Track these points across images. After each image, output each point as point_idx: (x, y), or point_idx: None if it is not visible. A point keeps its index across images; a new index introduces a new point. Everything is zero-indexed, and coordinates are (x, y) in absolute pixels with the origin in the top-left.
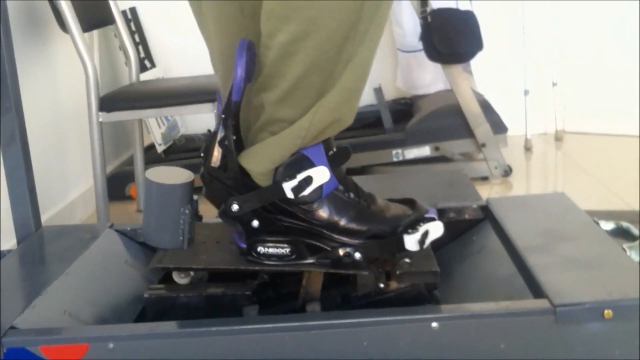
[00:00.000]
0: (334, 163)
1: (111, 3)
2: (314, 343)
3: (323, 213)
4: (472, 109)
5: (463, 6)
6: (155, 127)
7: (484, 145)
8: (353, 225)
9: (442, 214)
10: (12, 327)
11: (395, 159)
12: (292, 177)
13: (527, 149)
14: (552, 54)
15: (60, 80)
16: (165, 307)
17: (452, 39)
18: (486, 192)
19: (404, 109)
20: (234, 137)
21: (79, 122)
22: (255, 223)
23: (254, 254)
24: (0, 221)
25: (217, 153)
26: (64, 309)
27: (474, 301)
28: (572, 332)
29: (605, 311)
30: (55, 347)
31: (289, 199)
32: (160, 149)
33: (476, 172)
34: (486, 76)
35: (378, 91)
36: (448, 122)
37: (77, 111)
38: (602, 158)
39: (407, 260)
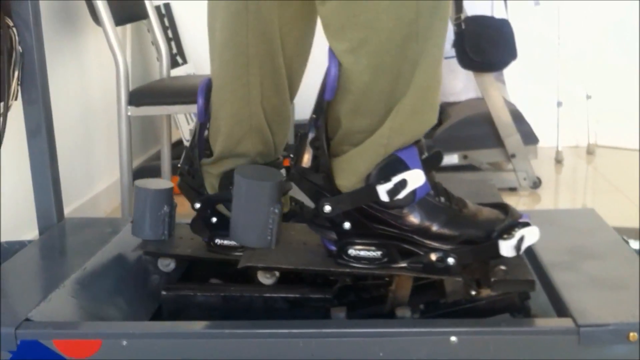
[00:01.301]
0: (427, 167)
1: None
2: (330, 351)
3: (414, 219)
4: (502, 119)
5: (498, 14)
6: (184, 123)
7: (513, 155)
8: (445, 230)
9: None
10: (27, 319)
11: None
12: (387, 179)
13: (558, 161)
14: (587, 67)
15: (91, 72)
16: (182, 306)
17: (485, 47)
18: (513, 203)
19: None
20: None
21: (107, 115)
22: (347, 225)
23: (344, 256)
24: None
25: (307, 154)
26: (80, 303)
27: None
28: (595, 354)
29: (631, 333)
30: (69, 342)
31: (381, 203)
32: (188, 144)
33: (504, 183)
34: (519, 86)
35: None
36: (478, 130)
37: (106, 104)
38: (634, 174)
39: (502, 267)
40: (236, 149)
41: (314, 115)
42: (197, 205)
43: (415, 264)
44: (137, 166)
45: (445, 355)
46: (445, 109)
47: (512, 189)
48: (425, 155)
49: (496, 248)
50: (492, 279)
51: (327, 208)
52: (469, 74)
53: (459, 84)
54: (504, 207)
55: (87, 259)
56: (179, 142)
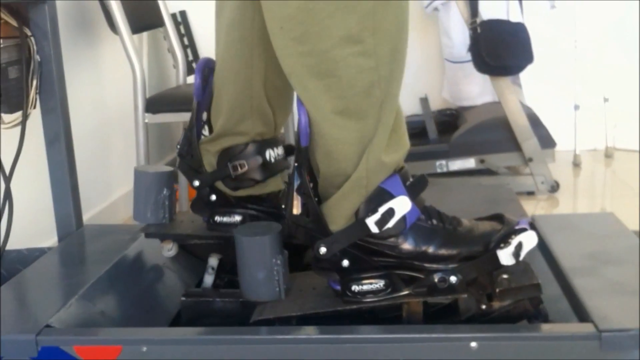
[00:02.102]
0: (413, 192)
1: (161, 6)
2: (350, 356)
3: (409, 245)
4: (519, 122)
5: (514, 18)
6: None
7: (530, 159)
8: (443, 251)
9: None
10: (48, 326)
11: (438, 170)
12: (374, 211)
13: (576, 165)
14: (605, 69)
15: (108, 80)
16: (201, 312)
17: (501, 51)
18: (532, 208)
19: (449, 120)
20: (311, 185)
21: (125, 122)
22: (345, 262)
23: (349, 293)
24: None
25: (296, 201)
26: (99, 309)
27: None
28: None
29: None
30: (89, 348)
31: (374, 235)
32: None
33: (522, 187)
34: (535, 89)
35: (424, 101)
36: (494, 134)
37: (123, 112)
38: None
39: (504, 276)
40: (236, 128)
41: (296, 163)
42: (196, 183)
43: (420, 289)
44: None
45: (465, 359)
46: (461, 113)
47: (530, 193)
48: (411, 180)
49: (496, 259)
50: (498, 290)
51: (323, 250)
52: (485, 78)
53: (475, 88)
54: (499, 218)
55: (106, 266)
56: None
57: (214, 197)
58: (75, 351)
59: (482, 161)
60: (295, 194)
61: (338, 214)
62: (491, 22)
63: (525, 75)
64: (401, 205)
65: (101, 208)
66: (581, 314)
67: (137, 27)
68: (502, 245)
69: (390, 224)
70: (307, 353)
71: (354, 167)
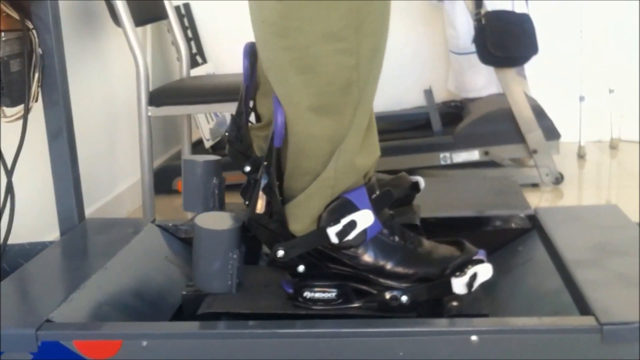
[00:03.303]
0: (377, 206)
1: None
2: (350, 350)
3: (368, 257)
4: (524, 114)
5: (519, 8)
6: (204, 122)
7: (535, 151)
8: (399, 269)
9: (487, 222)
10: (48, 320)
11: (443, 163)
12: (337, 221)
13: (581, 156)
14: (610, 60)
15: (112, 73)
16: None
17: (506, 42)
18: (536, 200)
19: (454, 111)
20: (278, 184)
21: (129, 116)
22: (302, 268)
23: (300, 298)
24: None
25: (261, 200)
26: (100, 303)
27: (517, 315)
28: (619, 352)
29: None
30: (89, 343)
31: (334, 245)
32: (208, 144)
33: (526, 179)
34: (540, 81)
35: (428, 93)
36: (499, 126)
37: (128, 105)
38: None
39: (454, 303)
40: None
41: (266, 162)
42: (247, 169)
43: (371, 304)
44: (158, 166)
45: (466, 354)
46: (466, 104)
47: (534, 185)
48: (377, 194)
49: (449, 285)
50: (445, 315)
51: (280, 253)
52: (490, 70)
53: (480, 80)
54: (460, 244)
55: (108, 260)
56: (199, 142)
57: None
58: (75, 346)
59: (486, 153)
60: (260, 192)
61: (301, 214)
62: (496, 13)
63: (530, 66)
64: (364, 218)
65: (106, 201)
66: (583, 307)
67: (140, 19)
68: (457, 273)
69: (351, 236)
70: (306, 348)
71: (323, 166)
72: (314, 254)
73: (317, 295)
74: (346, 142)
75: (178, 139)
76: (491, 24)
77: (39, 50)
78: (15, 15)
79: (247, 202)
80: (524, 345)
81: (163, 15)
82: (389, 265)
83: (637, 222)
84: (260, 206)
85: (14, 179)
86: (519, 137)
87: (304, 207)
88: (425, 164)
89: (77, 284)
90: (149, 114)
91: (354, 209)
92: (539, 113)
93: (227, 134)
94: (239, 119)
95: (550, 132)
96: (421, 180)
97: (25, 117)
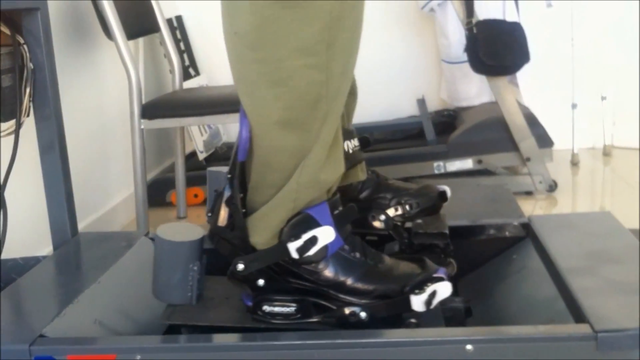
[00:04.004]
0: (339, 222)
1: (157, 11)
2: None
3: (329, 273)
4: (517, 122)
5: (510, 17)
6: (198, 134)
7: (528, 159)
8: (359, 285)
9: (482, 230)
10: (41, 335)
11: (436, 172)
12: (297, 237)
13: (574, 164)
14: (602, 67)
15: (104, 87)
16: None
17: (497, 50)
18: (530, 207)
19: (447, 120)
20: (241, 196)
21: (122, 129)
22: (261, 282)
23: (259, 312)
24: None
25: (224, 212)
26: (94, 318)
27: (512, 323)
28: None
29: None
30: (83, 358)
31: (294, 260)
32: (201, 156)
33: (520, 187)
34: (533, 89)
35: (421, 102)
36: (492, 134)
37: (120, 118)
38: None
39: (413, 320)
40: None
41: (229, 175)
42: (241, 267)
43: (329, 319)
44: (151, 178)
45: None
46: (459, 113)
47: (528, 193)
48: (339, 210)
49: (408, 303)
50: None
51: (240, 266)
52: (483, 79)
53: (472, 89)
54: (421, 261)
55: (101, 274)
56: (193, 154)
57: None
58: None
59: (480, 161)
60: (223, 205)
61: (263, 226)
62: (487, 22)
63: (522, 74)
64: (325, 234)
65: (99, 214)
66: (577, 315)
67: (132, 32)
68: (417, 291)
69: (311, 252)
70: (304, 359)
71: (288, 179)
72: (274, 268)
73: (276, 309)
74: (310, 156)
75: (171, 152)
76: (483, 33)
77: (30, 65)
78: (6, 30)
79: (209, 214)
80: (519, 354)
81: (155, 28)
82: (349, 281)
83: (631, 229)
84: (223, 219)
85: (6, 193)
86: (512, 145)
87: (265, 220)
88: (419, 173)
89: (70, 298)
90: (142, 126)
91: (315, 224)
92: (532, 121)
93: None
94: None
95: (543, 140)
96: (448, 190)
97: (17, 132)
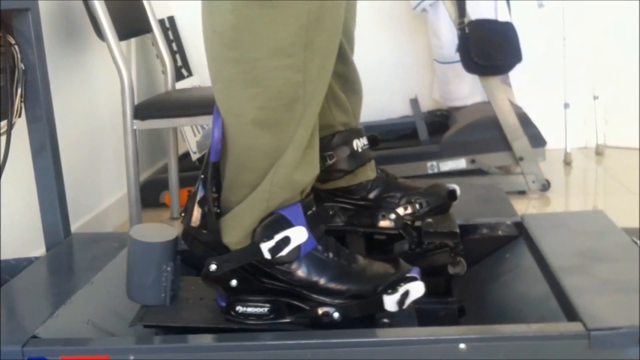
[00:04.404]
0: (313, 222)
1: (148, 12)
2: None
3: (302, 273)
4: (509, 122)
5: (502, 17)
6: (191, 135)
7: (521, 158)
8: (332, 285)
9: (475, 230)
10: (34, 337)
11: (430, 172)
12: (270, 237)
13: (567, 163)
14: (594, 67)
15: (97, 87)
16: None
17: (489, 50)
18: (523, 207)
19: (440, 120)
20: (215, 196)
21: (114, 129)
22: (234, 282)
23: (232, 313)
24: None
25: (197, 212)
26: (87, 318)
27: (505, 322)
28: (606, 358)
29: None
30: (76, 358)
31: (267, 260)
32: (194, 157)
33: (513, 186)
34: (525, 88)
35: (414, 102)
36: (485, 134)
37: (112, 119)
38: None
39: (385, 320)
40: (318, 121)
41: (202, 175)
42: (213, 267)
43: (302, 319)
44: (144, 179)
45: None
46: (452, 113)
47: (521, 192)
48: (313, 210)
49: (381, 303)
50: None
51: (213, 267)
52: (475, 78)
53: (465, 88)
54: (395, 261)
55: (94, 275)
56: (186, 155)
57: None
58: None
59: (473, 161)
60: (196, 205)
61: (236, 225)
62: (479, 22)
63: (514, 74)
64: (298, 235)
65: (92, 215)
66: (570, 313)
67: (124, 33)
68: (389, 291)
69: (284, 252)
70: (297, 358)
71: (262, 179)
72: (247, 268)
73: (250, 309)
74: (285, 157)
75: (164, 152)
76: (474, 33)
77: (22, 66)
78: None
79: (183, 214)
80: (512, 353)
81: (147, 29)
82: (322, 281)
83: (623, 228)
84: (196, 219)
85: None
86: (505, 144)
87: (238, 220)
88: (413, 173)
89: (63, 299)
90: (135, 127)
91: (288, 225)
92: (525, 121)
93: None
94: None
95: (536, 140)
96: (457, 188)
97: (8, 133)
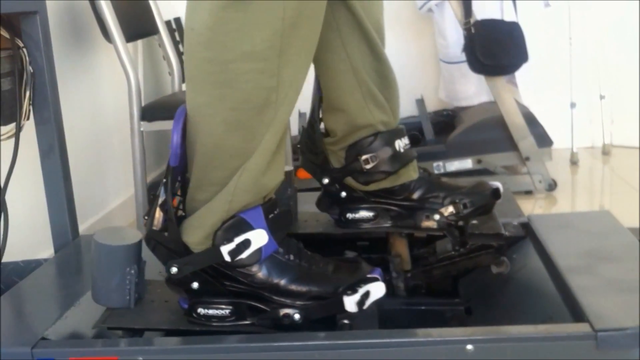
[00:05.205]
0: (274, 225)
1: (155, 13)
2: None
3: (262, 275)
4: (515, 122)
5: (508, 17)
6: None
7: (527, 158)
8: (293, 287)
9: None
10: (43, 338)
11: (436, 171)
12: (230, 240)
13: (573, 162)
14: (600, 66)
15: (104, 89)
16: None
17: (495, 50)
18: (530, 207)
19: (446, 120)
20: (181, 199)
21: (121, 131)
22: (195, 285)
23: (194, 315)
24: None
25: (158, 216)
26: (95, 320)
27: (512, 322)
28: (614, 359)
29: None
30: None
31: (228, 263)
32: None
33: (520, 186)
34: (531, 88)
35: (420, 102)
36: (491, 134)
37: (119, 120)
38: None
39: (346, 321)
40: (357, 121)
41: (164, 180)
42: (325, 181)
43: (264, 320)
44: (151, 181)
45: None
46: (457, 113)
47: (528, 192)
48: (274, 213)
49: (341, 304)
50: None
51: (174, 269)
52: (481, 78)
53: (471, 88)
54: (356, 263)
55: None
56: None
57: (344, 194)
58: None
59: (479, 161)
60: (158, 209)
61: (198, 225)
62: (485, 22)
63: (520, 74)
64: (258, 237)
65: (99, 217)
66: (577, 314)
67: (131, 35)
68: (349, 292)
69: (244, 255)
70: (303, 358)
71: (229, 177)
72: (209, 271)
73: (211, 311)
74: (252, 160)
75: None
76: (480, 33)
77: (30, 69)
78: (5, 34)
79: (145, 217)
80: (519, 353)
81: (154, 30)
82: (282, 283)
83: (630, 228)
84: (158, 222)
85: (7, 196)
86: (511, 144)
87: (201, 220)
88: None
89: (72, 301)
90: (142, 129)
91: (248, 227)
92: (531, 120)
93: (299, 145)
94: (310, 130)
95: (543, 139)
96: (500, 186)
97: (17, 136)
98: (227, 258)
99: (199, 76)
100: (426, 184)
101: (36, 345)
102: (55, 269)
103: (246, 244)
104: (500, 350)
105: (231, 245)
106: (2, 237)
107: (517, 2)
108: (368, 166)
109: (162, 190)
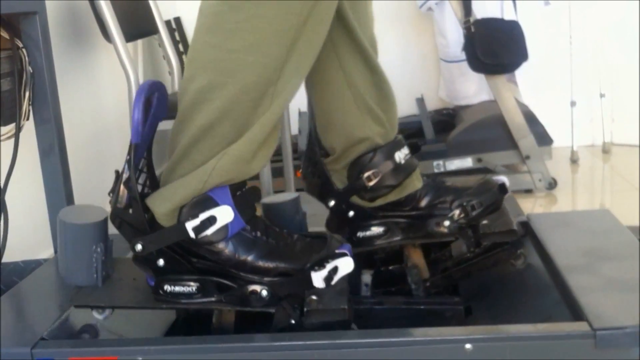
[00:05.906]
0: (241, 203)
1: (155, 13)
2: None
3: (229, 252)
4: (516, 120)
5: (508, 16)
6: None
7: (528, 157)
8: (261, 263)
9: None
10: (43, 338)
11: (436, 170)
12: (195, 216)
13: (573, 161)
14: (600, 65)
15: (104, 89)
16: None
17: (495, 49)
18: (530, 205)
19: (446, 119)
20: (147, 175)
21: (122, 131)
22: (161, 262)
23: (161, 292)
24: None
25: (122, 193)
26: (95, 320)
27: (511, 321)
28: (612, 358)
29: None
30: None
31: (194, 239)
32: None
33: (520, 185)
34: (531, 87)
35: (420, 101)
36: (491, 133)
37: (120, 121)
38: None
39: (314, 297)
40: (354, 135)
41: (128, 157)
42: (332, 203)
43: (231, 297)
44: None
45: None
46: (458, 112)
47: (528, 191)
48: (242, 191)
49: (309, 279)
50: (305, 309)
51: (139, 247)
52: (481, 77)
53: (471, 87)
54: (323, 238)
55: None
56: None
57: (351, 213)
58: None
59: (479, 160)
60: (122, 186)
61: (168, 197)
62: (485, 21)
63: (520, 73)
64: (224, 214)
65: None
66: (576, 313)
67: (131, 35)
68: (316, 267)
69: (209, 231)
70: (303, 358)
71: (208, 159)
72: (176, 248)
73: (177, 289)
74: (234, 146)
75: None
76: (480, 32)
77: (29, 69)
78: (4, 34)
79: (110, 194)
80: (518, 353)
81: (154, 30)
82: (249, 260)
83: (629, 226)
84: (122, 199)
85: (7, 196)
86: (511, 143)
87: (172, 191)
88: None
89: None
90: None
91: (213, 204)
92: (531, 119)
93: (301, 172)
94: (310, 153)
95: (543, 138)
96: (506, 181)
97: (16, 136)
98: (192, 234)
99: (201, 59)
100: (432, 190)
101: (36, 346)
102: (55, 270)
103: (211, 220)
104: (499, 350)
105: (196, 222)
106: (2, 237)
107: (517, 1)
108: (371, 183)
109: (125, 167)
